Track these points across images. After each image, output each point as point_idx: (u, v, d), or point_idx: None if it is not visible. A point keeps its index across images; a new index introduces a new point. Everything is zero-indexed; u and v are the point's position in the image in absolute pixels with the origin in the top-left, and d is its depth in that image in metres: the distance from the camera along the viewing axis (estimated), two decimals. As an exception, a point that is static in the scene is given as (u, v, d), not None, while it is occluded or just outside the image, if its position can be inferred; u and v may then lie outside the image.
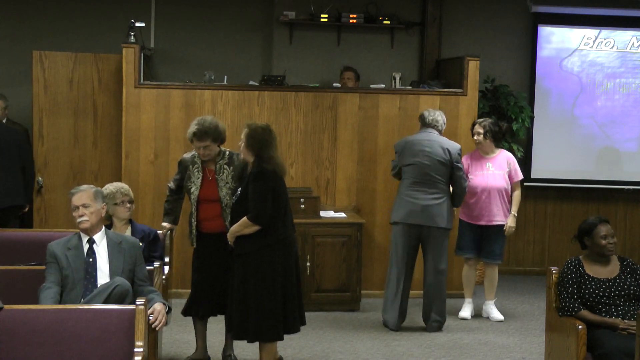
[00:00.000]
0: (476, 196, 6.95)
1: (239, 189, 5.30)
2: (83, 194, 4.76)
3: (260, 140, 5.14)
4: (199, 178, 5.53)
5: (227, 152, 5.59)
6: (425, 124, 6.72)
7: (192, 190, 5.54)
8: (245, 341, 5.22)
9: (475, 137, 7.02)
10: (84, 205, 4.71)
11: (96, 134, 7.85)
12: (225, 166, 5.52)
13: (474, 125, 7.10)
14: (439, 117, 6.74)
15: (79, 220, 4.71)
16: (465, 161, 6.98)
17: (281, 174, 5.20)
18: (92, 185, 4.92)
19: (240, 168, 5.51)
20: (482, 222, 6.96)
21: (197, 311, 5.58)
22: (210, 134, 5.45)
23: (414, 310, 6.88)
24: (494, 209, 6.94)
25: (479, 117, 7.99)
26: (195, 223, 5.55)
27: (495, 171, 6.98)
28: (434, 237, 6.61)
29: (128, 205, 5.58)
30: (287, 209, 5.22)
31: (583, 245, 5.14)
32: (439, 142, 6.65)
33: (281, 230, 5.14)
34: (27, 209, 7.43)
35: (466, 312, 7.10)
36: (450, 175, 6.61)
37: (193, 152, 5.64)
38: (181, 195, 5.77)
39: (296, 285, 5.24)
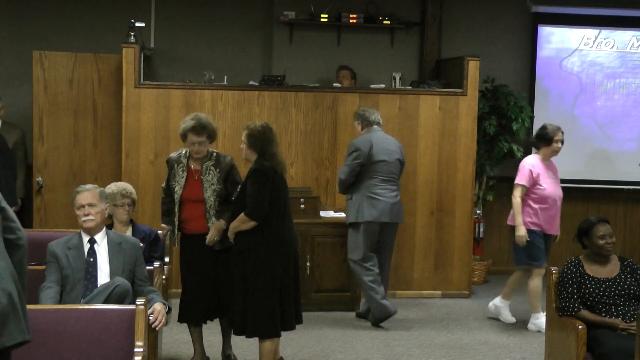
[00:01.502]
0: (549, 204, 6.69)
1: (239, 186, 5.32)
2: (89, 194, 4.75)
3: (262, 138, 5.18)
4: (183, 177, 5.50)
5: (214, 154, 5.55)
6: (370, 122, 6.72)
7: (175, 190, 5.51)
8: (245, 337, 5.22)
9: (560, 145, 6.75)
10: (90, 205, 4.70)
11: (96, 134, 7.85)
12: (212, 167, 5.48)
13: (554, 132, 6.69)
14: (378, 114, 6.81)
15: (84, 219, 4.69)
16: (534, 169, 6.68)
17: (281, 172, 5.22)
18: (96, 185, 4.91)
19: (227, 170, 5.49)
20: (552, 231, 6.75)
21: (192, 317, 5.55)
22: (207, 130, 5.44)
23: (413, 310, 6.87)
24: (559, 217, 6.82)
25: (479, 117, 7.97)
26: (177, 223, 5.53)
27: (557, 179, 6.86)
28: (392, 233, 6.75)
29: (127, 208, 5.57)
30: (286, 207, 5.23)
31: (583, 245, 5.15)
32: (395, 141, 6.80)
33: (278, 227, 5.15)
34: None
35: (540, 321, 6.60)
36: (400, 171, 6.78)
37: (179, 152, 5.62)
38: None
39: (293, 283, 5.24)
